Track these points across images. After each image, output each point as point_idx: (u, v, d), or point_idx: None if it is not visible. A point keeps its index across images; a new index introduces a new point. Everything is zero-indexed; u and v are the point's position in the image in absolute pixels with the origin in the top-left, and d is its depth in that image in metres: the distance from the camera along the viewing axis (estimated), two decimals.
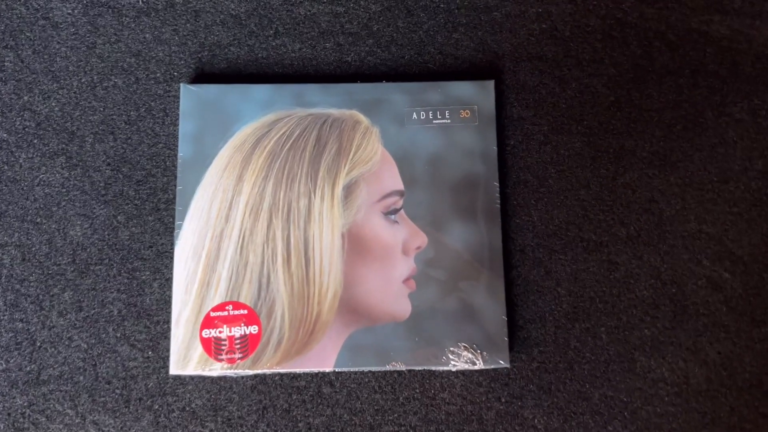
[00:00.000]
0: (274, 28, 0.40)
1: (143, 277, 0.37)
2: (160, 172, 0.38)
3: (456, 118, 0.37)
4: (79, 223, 0.37)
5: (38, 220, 0.37)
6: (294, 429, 0.36)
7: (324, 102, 0.37)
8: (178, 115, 0.36)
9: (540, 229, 0.38)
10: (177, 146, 0.37)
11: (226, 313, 0.34)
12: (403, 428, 0.36)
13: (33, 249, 0.37)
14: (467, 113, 0.37)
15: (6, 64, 0.39)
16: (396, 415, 0.36)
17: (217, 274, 0.34)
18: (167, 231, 0.37)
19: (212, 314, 0.34)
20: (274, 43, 0.39)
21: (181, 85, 0.37)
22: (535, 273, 0.37)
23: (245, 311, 0.34)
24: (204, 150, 0.36)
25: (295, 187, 0.35)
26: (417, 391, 0.36)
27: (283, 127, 0.36)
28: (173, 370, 0.34)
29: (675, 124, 0.39)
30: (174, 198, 0.37)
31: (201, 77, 0.39)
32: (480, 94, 0.37)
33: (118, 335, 0.36)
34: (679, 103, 0.39)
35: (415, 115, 0.37)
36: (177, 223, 0.35)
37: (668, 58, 0.40)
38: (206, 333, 0.34)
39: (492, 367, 0.35)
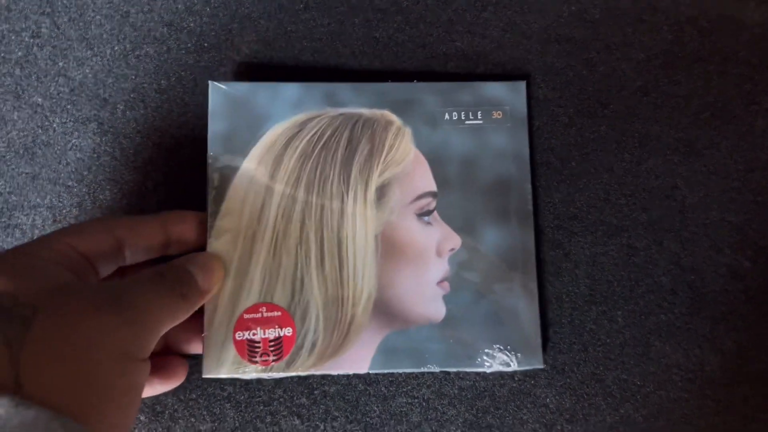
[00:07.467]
0: (304, 2, 0.40)
1: None
2: (188, 142, 0.38)
3: (488, 119, 0.37)
4: (108, 187, 0.38)
5: (69, 183, 0.38)
6: (310, 395, 0.36)
7: (355, 101, 0.36)
8: (207, 85, 0.37)
9: (561, 211, 0.38)
10: (206, 117, 0.36)
11: (259, 315, 0.34)
12: (416, 400, 0.36)
13: (63, 211, 0.38)
14: (499, 114, 0.37)
15: (42, 30, 0.40)
16: (410, 387, 0.37)
17: (249, 277, 0.34)
18: (190, 197, 0.37)
19: (246, 316, 0.34)
20: (303, 17, 0.40)
21: (210, 83, 0.36)
22: (554, 254, 0.38)
23: (279, 313, 0.34)
24: (234, 151, 0.35)
25: (327, 189, 0.35)
26: None
27: (314, 127, 0.36)
28: (206, 374, 0.34)
29: (702, 111, 0.39)
30: (203, 166, 0.37)
31: (230, 49, 0.39)
32: (511, 95, 0.37)
33: None
34: (707, 90, 0.39)
35: (447, 116, 0.36)
36: (209, 223, 0.35)
37: (699, 44, 0.39)
38: (239, 335, 0.34)
39: (526, 368, 0.35)
